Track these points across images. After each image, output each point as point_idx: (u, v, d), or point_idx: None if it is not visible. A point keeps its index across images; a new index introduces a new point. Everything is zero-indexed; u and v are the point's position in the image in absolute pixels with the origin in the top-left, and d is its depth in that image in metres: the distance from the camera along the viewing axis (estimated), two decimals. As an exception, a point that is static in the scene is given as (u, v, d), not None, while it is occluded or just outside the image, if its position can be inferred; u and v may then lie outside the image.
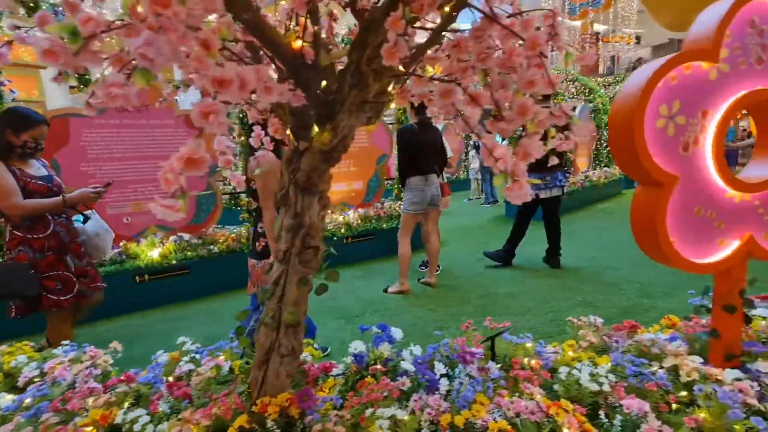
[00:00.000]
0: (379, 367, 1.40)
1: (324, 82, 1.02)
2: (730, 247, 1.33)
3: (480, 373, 1.38)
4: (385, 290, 3.86)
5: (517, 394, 1.26)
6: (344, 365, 1.52)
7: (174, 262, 3.82)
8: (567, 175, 4.17)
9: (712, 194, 1.29)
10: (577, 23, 14.51)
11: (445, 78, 1.03)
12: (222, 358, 1.57)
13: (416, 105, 3.74)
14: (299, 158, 1.18)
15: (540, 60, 0.83)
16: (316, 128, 1.13)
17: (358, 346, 1.49)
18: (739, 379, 1.35)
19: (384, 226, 5.11)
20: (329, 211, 5.17)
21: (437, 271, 4.38)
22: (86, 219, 2.53)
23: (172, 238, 3.97)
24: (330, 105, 1.11)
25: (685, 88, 1.21)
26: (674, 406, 1.25)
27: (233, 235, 4.26)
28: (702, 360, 1.43)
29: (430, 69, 1.04)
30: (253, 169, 2.08)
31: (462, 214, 8.14)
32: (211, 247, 3.99)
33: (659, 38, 21.26)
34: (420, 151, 3.70)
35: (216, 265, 4.01)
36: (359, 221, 5.01)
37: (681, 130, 1.23)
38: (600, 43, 17.48)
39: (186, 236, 4.02)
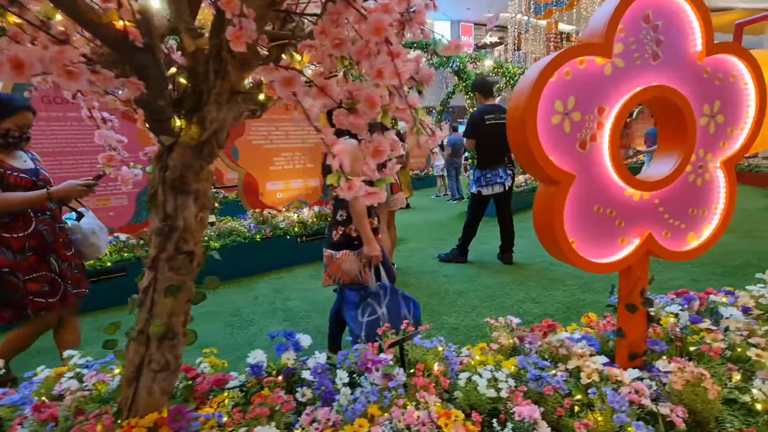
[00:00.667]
0: (273, 378, 1.32)
1: (173, 70, 0.92)
2: (631, 245, 1.32)
3: (383, 382, 1.32)
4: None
5: (414, 404, 1.20)
6: (246, 376, 1.43)
7: (109, 264, 3.61)
8: (510, 172, 4.19)
9: (611, 193, 1.27)
10: (543, 23, 14.78)
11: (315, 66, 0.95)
12: (117, 371, 1.45)
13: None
14: (169, 154, 1.07)
15: (389, 47, 0.76)
16: (181, 121, 1.03)
17: (257, 355, 1.40)
18: (641, 378, 1.34)
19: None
20: (282, 209, 5.03)
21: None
22: (80, 216, 2.30)
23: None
24: (196, 96, 1.02)
25: (579, 84, 1.17)
26: (576, 409, 1.22)
27: (177, 235, 4.06)
28: (608, 360, 1.42)
29: (297, 57, 0.96)
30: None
31: (426, 211, 8.14)
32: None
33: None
34: (368, 147, 3.61)
35: (157, 266, 3.81)
36: (315, 219, 4.89)
37: (577, 127, 1.20)
38: (565, 42, 17.87)
39: (123, 236, 3.80)
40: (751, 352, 1.33)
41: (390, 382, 1.30)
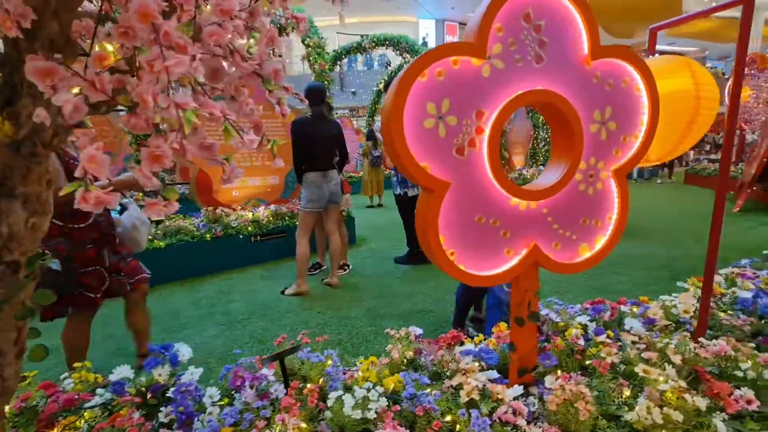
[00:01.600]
0: (131, 397, 1.22)
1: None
2: (518, 256, 1.25)
3: (254, 400, 1.23)
4: (283, 292, 3.67)
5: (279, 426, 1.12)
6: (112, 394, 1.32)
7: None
8: None
9: (494, 201, 1.20)
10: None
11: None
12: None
13: (310, 95, 3.56)
14: (-13, 154, 0.96)
15: (160, 37, 0.66)
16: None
17: (121, 371, 1.30)
18: (525, 396, 1.29)
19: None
20: (237, 207, 4.89)
21: (346, 270, 4.25)
22: (123, 209, 2.22)
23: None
24: (9, 88, 0.91)
25: (454, 86, 1.10)
26: None
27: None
28: (499, 375, 1.36)
29: (108, 47, 0.86)
30: None
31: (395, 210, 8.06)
32: (88, 247, 3.62)
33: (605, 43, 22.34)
34: (316, 144, 3.52)
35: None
36: (271, 218, 4.77)
37: (454, 132, 1.13)
38: None
39: (58, 235, 3.63)
40: (639, 368, 1.29)
41: (261, 401, 1.22)
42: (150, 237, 4.05)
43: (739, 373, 1.33)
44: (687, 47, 25.64)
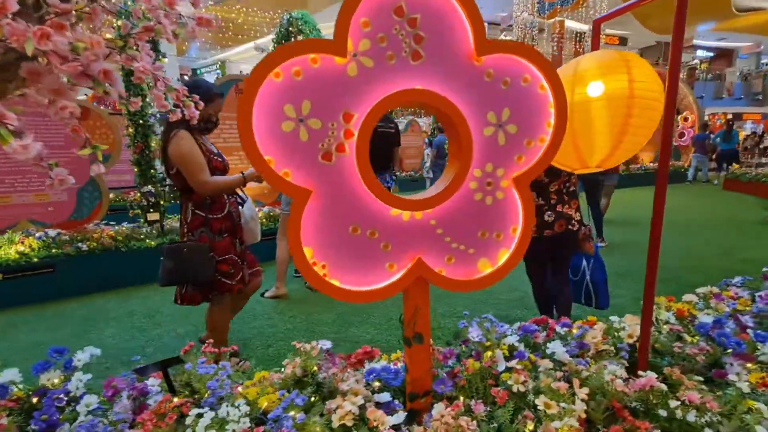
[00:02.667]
0: (4, 402, 1.21)
1: None
2: (402, 271, 1.15)
3: (126, 411, 1.19)
4: (263, 294, 3.67)
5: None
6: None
7: (36, 260, 3.60)
8: (394, 177, 4.11)
9: (371, 211, 1.10)
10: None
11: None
12: None
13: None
14: None
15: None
16: None
17: (7, 375, 1.30)
18: (410, 423, 1.18)
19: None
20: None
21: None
22: (242, 201, 2.37)
23: (37, 234, 3.75)
24: None
25: (315, 86, 1.01)
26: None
27: (111, 232, 4.04)
28: (392, 399, 1.26)
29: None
30: None
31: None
32: (80, 245, 3.77)
33: (647, 41, 21.15)
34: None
35: (86, 264, 3.79)
36: (265, 220, 4.78)
37: (318, 136, 1.04)
38: (580, 42, 17.24)
39: (52, 232, 3.80)
40: (540, 400, 1.14)
41: (132, 414, 1.18)
42: (142, 236, 4.17)
43: (664, 413, 1.16)
44: (739, 42, 23.85)
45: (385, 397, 1.25)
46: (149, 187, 4.16)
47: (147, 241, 4.10)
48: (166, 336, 2.97)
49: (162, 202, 4.34)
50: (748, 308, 1.76)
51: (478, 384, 1.35)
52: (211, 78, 20.04)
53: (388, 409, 1.23)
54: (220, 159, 2.19)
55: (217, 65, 21.55)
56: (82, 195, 4.15)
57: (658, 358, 1.51)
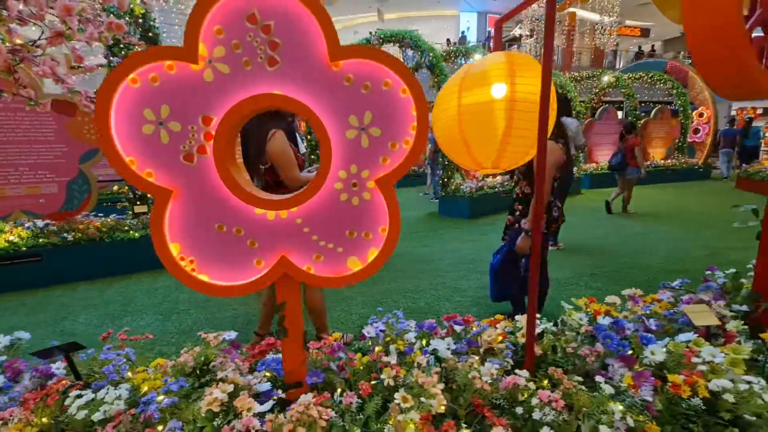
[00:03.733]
0: None
1: None
2: (269, 267, 1.20)
3: (25, 392, 1.29)
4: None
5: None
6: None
7: (24, 248, 3.81)
8: None
9: (235, 210, 1.16)
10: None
11: None
12: None
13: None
14: None
15: None
16: None
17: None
18: (261, 413, 1.23)
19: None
20: None
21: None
22: None
23: (26, 224, 3.95)
24: None
25: (172, 91, 1.07)
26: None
27: (97, 223, 4.22)
28: (272, 389, 1.32)
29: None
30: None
31: (404, 209, 7.98)
32: (66, 235, 3.95)
33: (671, 32, 20.37)
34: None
35: (72, 253, 3.98)
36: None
37: (179, 138, 1.10)
38: (607, 35, 16.69)
39: (41, 223, 3.99)
40: (398, 396, 1.19)
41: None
42: (126, 228, 4.34)
43: (520, 410, 1.18)
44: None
45: (264, 386, 1.31)
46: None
47: (131, 232, 4.26)
48: (134, 323, 3.11)
49: (149, 195, 4.49)
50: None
51: (364, 377, 1.40)
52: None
53: (267, 397, 1.30)
54: (302, 156, 2.38)
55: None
56: (71, 188, 4.34)
57: (552, 358, 1.53)
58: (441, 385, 1.20)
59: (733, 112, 16.86)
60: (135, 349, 1.59)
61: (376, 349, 1.48)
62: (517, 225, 2.53)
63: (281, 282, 1.22)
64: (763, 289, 1.69)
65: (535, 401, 1.20)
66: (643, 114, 11.87)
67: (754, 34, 1.38)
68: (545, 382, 1.40)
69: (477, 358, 1.45)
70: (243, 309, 3.32)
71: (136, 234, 4.27)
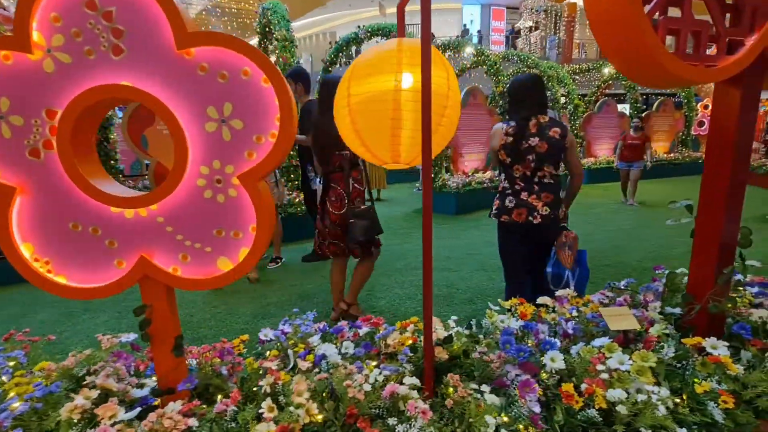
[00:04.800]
0: None
1: None
2: (131, 268, 1.14)
3: None
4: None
5: None
6: None
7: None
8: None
9: (88, 208, 1.10)
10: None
11: None
12: None
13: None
14: None
15: None
16: None
17: None
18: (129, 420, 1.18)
19: None
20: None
21: (278, 263, 4.24)
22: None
23: None
24: None
25: (10, 83, 1.01)
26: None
27: None
28: (147, 395, 1.26)
29: None
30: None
31: (389, 204, 7.92)
32: None
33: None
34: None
35: None
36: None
37: (21, 132, 1.04)
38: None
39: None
40: (265, 404, 1.12)
41: None
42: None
43: (392, 420, 1.11)
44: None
45: (139, 392, 1.26)
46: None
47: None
48: (90, 321, 3.10)
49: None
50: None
51: (254, 383, 1.33)
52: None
53: (143, 404, 1.25)
54: None
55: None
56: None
57: (464, 363, 1.45)
58: (307, 394, 1.13)
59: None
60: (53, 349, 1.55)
61: (272, 353, 1.42)
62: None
63: (144, 284, 1.16)
64: (697, 290, 1.58)
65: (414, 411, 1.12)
66: (644, 107, 11.56)
67: (669, 15, 1.27)
68: (450, 389, 1.32)
69: (373, 363, 1.37)
70: (200, 306, 3.29)
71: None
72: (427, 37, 1.11)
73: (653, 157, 10.90)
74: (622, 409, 1.12)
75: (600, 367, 1.26)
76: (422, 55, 1.12)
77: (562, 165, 2.37)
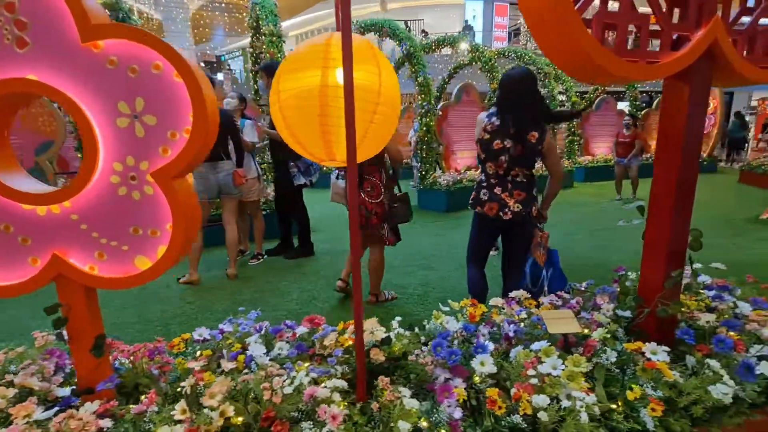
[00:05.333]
0: None
1: None
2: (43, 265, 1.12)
3: None
4: (178, 279, 3.75)
5: None
6: None
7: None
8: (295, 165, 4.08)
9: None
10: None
11: None
12: None
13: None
14: None
15: None
16: None
17: None
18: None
19: None
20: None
21: (260, 260, 4.23)
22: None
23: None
24: None
25: None
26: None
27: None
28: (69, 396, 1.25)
29: None
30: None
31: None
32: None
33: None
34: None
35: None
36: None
37: (-73, 127, 1.02)
38: None
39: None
40: (178, 406, 1.10)
41: None
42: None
43: (307, 424, 1.08)
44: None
45: (63, 392, 1.24)
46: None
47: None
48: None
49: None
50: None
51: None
52: (236, 65, 20.45)
53: (65, 404, 1.23)
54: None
55: (240, 52, 21.85)
56: (28, 179, 4.36)
57: (405, 365, 1.42)
58: (221, 396, 1.10)
59: (754, 102, 15.98)
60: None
61: (206, 352, 1.40)
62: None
63: (59, 282, 1.14)
64: (647, 293, 1.54)
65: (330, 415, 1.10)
66: (644, 105, 11.41)
67: (608, 9, 1.22)
68: (386, 392, 1.29)
69: (306, 364, 1.35)
70: (176, 302, 3.28)
71: (90, 226, 4.26)
72: (347, 28, 1.08)
73: (643, 155, 10.74)
74: (543, 416, 1.09)
75: (531, 372, 1.22)
76: (343, 49, 1.09)
77: (540, 164, 2.34)
